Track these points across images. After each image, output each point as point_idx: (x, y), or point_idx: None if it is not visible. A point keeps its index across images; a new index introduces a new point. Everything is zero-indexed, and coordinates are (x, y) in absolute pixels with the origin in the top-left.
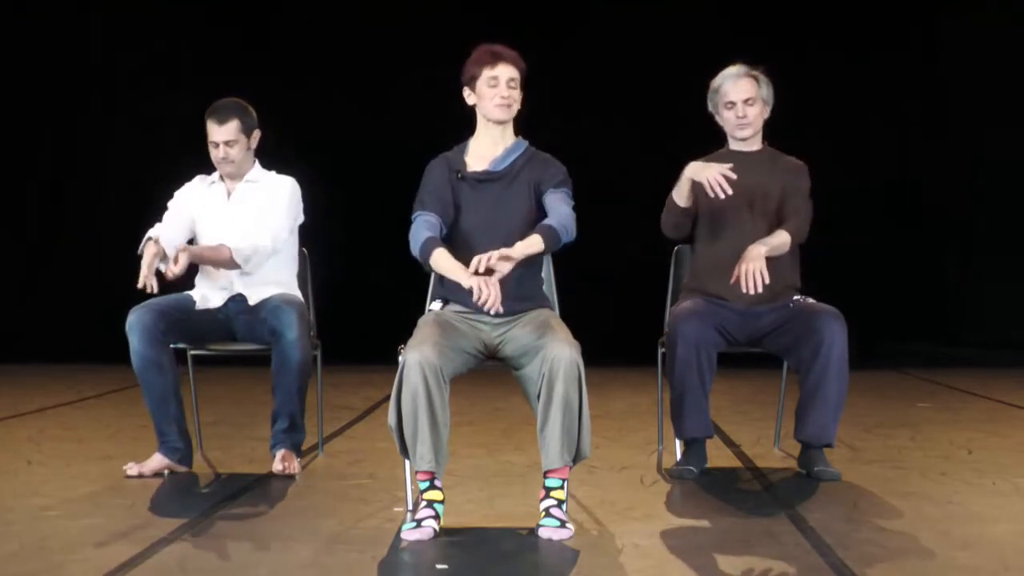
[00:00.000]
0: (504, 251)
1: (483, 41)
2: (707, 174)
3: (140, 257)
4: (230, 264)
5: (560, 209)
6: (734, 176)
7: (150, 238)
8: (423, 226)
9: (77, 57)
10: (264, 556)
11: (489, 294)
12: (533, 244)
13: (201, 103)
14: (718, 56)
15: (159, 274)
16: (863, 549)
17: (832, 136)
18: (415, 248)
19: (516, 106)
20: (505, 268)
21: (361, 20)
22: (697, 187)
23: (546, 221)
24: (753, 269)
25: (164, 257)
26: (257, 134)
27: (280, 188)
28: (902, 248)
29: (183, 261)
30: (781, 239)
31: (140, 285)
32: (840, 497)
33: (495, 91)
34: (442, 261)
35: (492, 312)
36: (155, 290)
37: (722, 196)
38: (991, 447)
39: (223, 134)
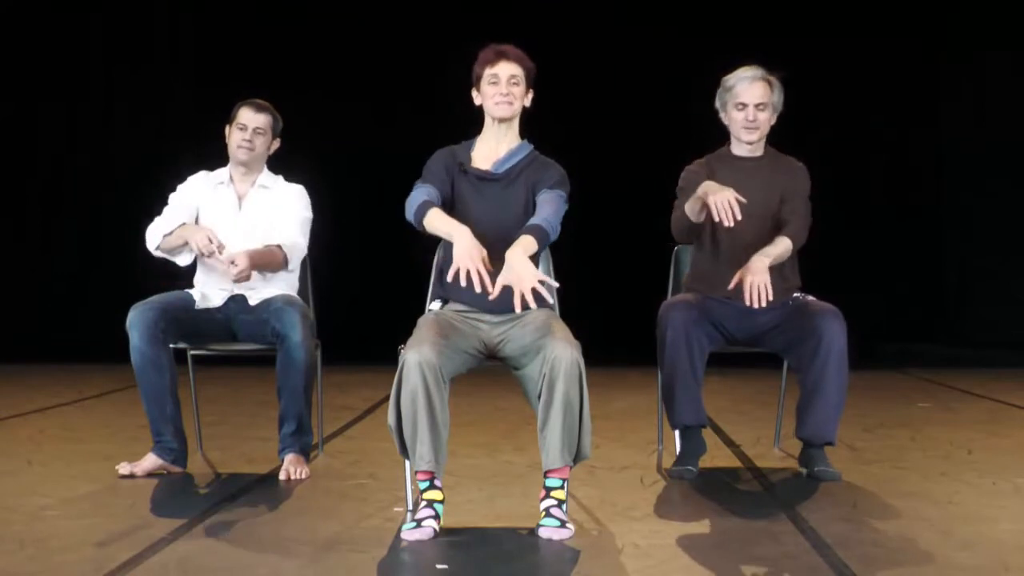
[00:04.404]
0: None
1: (488, 42)
2: (718, 198)
3: (160, 251)
4: (282, 266)
5: (546, 207)
6: (744, 200)
7: (184, 223)
8: (421, 192)
9: (77, 57)
10: (264, 556)
11: (477, 281)
12: (529, 247)
13: (201, 103)
14: (719, 55)
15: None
16: (863, 549)
17: (832, 135)
18: (410, 211)
19: (518, 103)
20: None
21: (362, 24)
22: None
23: (533, 220)
24: (758, 284)
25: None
26: (278, 142)
27: (297, 197)
28: (902, 248)
29: (243, 264)
30: (783, 247)
31: (213, 247)
32: (840, 497)
33: (495, 88)
34: (436, 221)
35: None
36: (223, 247)
37: (728, 223)
38: (991, 447)
39: (255, 120)
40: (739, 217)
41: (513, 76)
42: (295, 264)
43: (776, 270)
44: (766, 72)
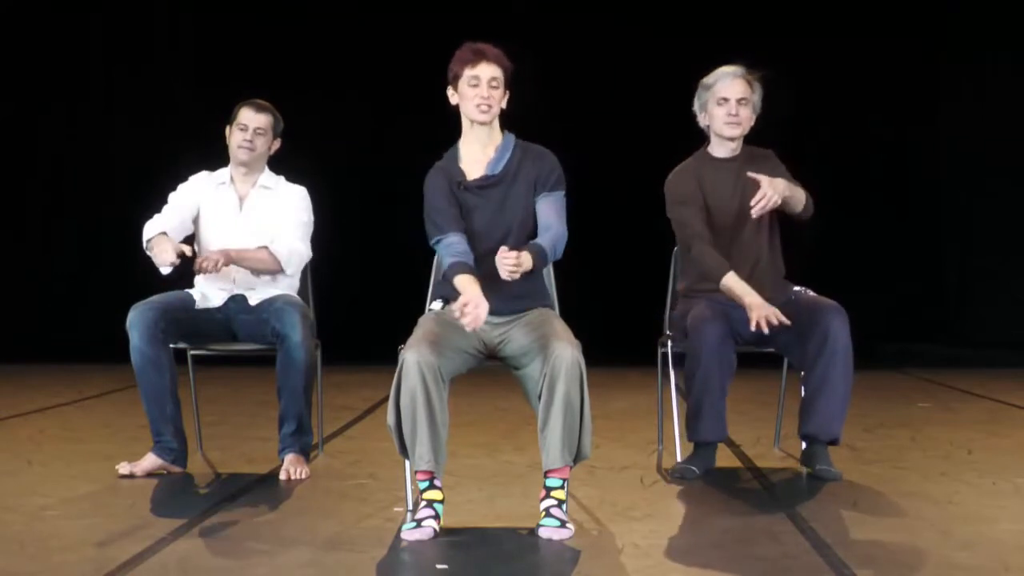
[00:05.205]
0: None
1: (488, 42)
2: (761, 315)
3: (148, 252)
4: (274, 265)
5: (554, 227)
6: (787, 322)
7: (164, 233)
8: (446, 252)
9: (77, 57)
10: (264, 556)
11: (470, 314)
12: (525, 263)
13: (201, 103)
14: (719, 55)
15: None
16: (863, 549)
17: (831, 135)
18: (446, 274)
19: (497, 107)
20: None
21: (362, 24)
22: (701, 192)
23: (539, 241)
24: (770, 200)
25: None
26: (279, 143)
27: (298, 200)
28: (902, 248)
29: (220, 261)
30: (801, 191)
31: (175, 258)
32: (840, 497)
33: (476, 91)
34: (460, 285)
35: (468, 327)
36: (188, 253)
37: (764, 330)
38: (991, 447)
39: (256, 121)
40: (775, 324)
41: (494, 78)
42: (294, 270)
43: (770, 261)
44: (746, 71)
